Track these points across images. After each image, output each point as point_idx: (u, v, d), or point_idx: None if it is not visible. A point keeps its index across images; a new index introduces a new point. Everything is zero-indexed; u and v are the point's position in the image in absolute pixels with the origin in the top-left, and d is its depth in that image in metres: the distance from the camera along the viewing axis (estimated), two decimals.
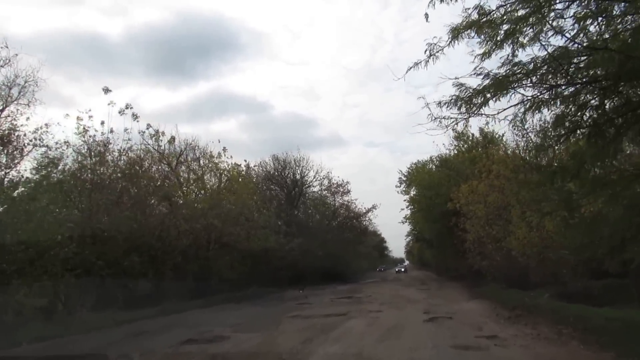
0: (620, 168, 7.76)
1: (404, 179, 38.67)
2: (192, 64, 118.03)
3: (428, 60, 9.09)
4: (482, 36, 8.92)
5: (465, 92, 9.35)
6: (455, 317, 11.98)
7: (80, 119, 16.83)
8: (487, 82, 8.67)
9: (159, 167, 23.46)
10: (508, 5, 7.70)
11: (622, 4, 6.62)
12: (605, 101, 6.67)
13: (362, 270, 56.74)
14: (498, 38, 8.70)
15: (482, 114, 9.16)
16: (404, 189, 38.82)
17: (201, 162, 26.63)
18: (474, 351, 7.61)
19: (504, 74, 8.26)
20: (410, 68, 9.25)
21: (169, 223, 19.38)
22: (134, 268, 15.90)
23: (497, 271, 20.54)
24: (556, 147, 7.58)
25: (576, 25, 6.40)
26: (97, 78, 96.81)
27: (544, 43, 7.40)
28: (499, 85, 8.18)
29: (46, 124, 15.40)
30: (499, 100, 8.85)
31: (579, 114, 6.99)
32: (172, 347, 8.70)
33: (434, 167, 35.17)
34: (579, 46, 6.38)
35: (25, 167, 14.80)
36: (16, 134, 13.87)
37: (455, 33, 9.00)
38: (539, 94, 7.73)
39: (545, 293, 14.76)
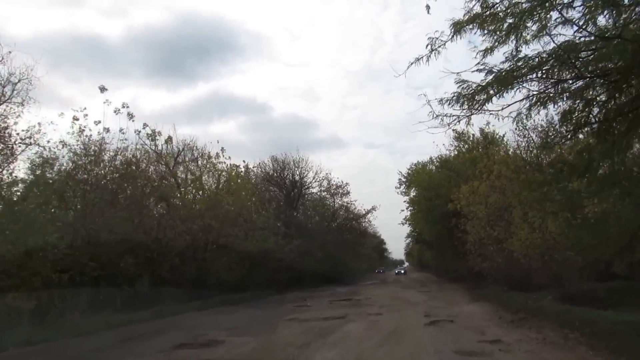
0: (630, 167, 7.47)
1: (404, 180, 38.41)
2: (192, 65, 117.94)
3: (430, 56, 8.81)
4: (485, 30, 8.71)
5: (468, 89, 9.16)
6: (456, 320, 11.66)
7: (76, 118, 16.60)
8: (490, 77, 8.42)
9: (157, 168, 23.20)
10: None
11: None
12: (616, 95, 6.37)
13: (362, 271, 56.44)
14: (502, 33, 8.48)
15: (485, 111, 8.93)
16: (404, 190, 38.58)
17: (199, 162, 26.35)
18: (477, 357, 7.30)
19: (507, 68, 7.99)
20: (412, 64, 8.98)
21: (165, 224, 19.07)
22: (128, 270, 15.61)
23: (498, 273, 20.24)
24: (562, 145, 7.29)
25: (584, 16, 6.13)
26: (96, 79, 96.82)
27: (551, 34, 7.14)
28: (503, 81, 7.91)
29: (39, 123, 15.14)
30: (503, 97, 8.58)
31: (587, 109, 6.71)
32: (163, 352, 8.38)
33: (434, 168, 34.90)
34: (590, 36, 6.08)
35: (19, 167, 14.55)
36: (7, 132, 13.54)
37: (458, 27, 8.74)
38: (544, 89, 7.47)
39: (547, 295, 14.46)
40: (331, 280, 36.36)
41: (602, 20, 6.21)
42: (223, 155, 25.63)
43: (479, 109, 8.83)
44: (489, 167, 20.25)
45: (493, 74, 8.43)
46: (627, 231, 7.22)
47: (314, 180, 40.65)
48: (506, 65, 8.21)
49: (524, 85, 7.26)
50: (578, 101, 6.90)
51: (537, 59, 6.94)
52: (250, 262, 25.18)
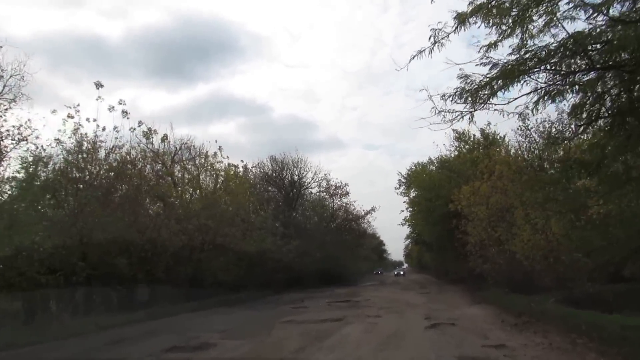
0: None
1: (404, 180, 38.01)
2: (192, 67, 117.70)
3: (432, 48, 8.50)
4: (490, 22, 8.36)
5: (471, 84, 8.80)
6: (458, 323, 11.29)
7: (71, 116, 16.24)
8: (495, 71, 8.08)
9: (153, 167, 22.85)
10: None
11: None
12: (631, 87, 6.01)
13: (361, 272, 56.07)
14: (507, 25, 8.13)
15: (490, 104, 8.58)
16: (404, 190, 38.18)
17: (196, 161, 25.98)
18: None
19: (514, 61, 7.64)
20: (414, 56, 8.62)
21: (160, 223, 18.71)
22: (122, 270, 15.25)
23: (499, 275, 19.88)
24: (572, 140, 6.93)
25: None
26: (96, 80, 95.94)
27: (562, 22, 6.78)
28: (509, 74, 7.56)
29: (29, 119, 14.78)
30: (508, 91, 8.24)
31: (599, 103, 6.36)
32: (152, 356, 8.02)
33: (434, 168, 34.53)
34: (606, 21, 5.71)
35: (10, 165, 14.19)
36: None
37: (462, 18, 8.41)
38: (552, 82, 7.12)
39: (550, 298, 14.11)
40: (330, 281, 36.04)
41: (617, 8, 5.86)
42: (221, 155, 25.31)
43: (483, 104, 8.51)
44: (490, 168, 19.91)
45: (498, 68, 8.11)
46: (639, 232, 6.86)
47: (312, 181, 40.33)
48: (512, 58, 7.89)
49: (532, 77, 6.92)
50: (589, 94, 6.53)
51: (545, 51, 6.59)
52: (247, 262, 24.84)
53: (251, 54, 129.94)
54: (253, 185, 33.01)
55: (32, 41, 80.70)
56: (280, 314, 14.66)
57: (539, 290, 15.70)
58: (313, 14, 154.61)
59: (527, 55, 7.36)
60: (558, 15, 7.05)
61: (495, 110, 8.86)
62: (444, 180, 29.82)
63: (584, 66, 6.25)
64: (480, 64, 8.57)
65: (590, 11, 5.91)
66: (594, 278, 11.90)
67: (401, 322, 12.15)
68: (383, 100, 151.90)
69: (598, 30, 6.51)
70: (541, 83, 6.83)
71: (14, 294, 10.13)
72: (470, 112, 9.03)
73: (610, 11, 6.34)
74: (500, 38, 8.31)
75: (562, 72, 6.49)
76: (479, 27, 8.63)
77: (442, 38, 8.15)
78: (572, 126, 6.98)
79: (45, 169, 15.31)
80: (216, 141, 39.04)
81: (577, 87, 6.73)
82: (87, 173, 16.27)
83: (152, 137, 22.20)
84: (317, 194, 41.60)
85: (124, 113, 18.51)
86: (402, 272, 74.40)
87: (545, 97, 7.09)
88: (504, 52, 8.29)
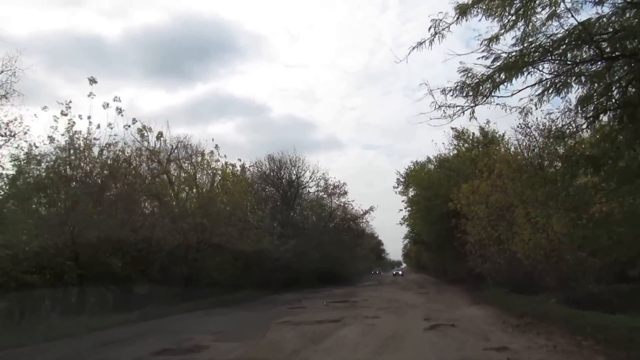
0: None
1: (402, 180, 37.69)
2: (190, 66, 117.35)
3: (433, 39, 8.20)
4: (492, 12, 8.07)
5: (472, 78, 8.51)
6: (458, 324, 11.00)
7: (64, 113, 15.90)
8: (498, 63, 7.79)
9: (149, 165, 22.52)
10: None
11: None
12: None
13: (359, 272, 55.81)
14: (509, 18, 7.84)
15: (492, 99, 8.29)
16: (402, 189, 37.87)
17: (193, 160, 25.65)
18: None
19: (517, 53, 7.34)
20: (414, 48, 8.34)
21: (154, 222, 18.37)
22: (115, 270, 14.93)
23: (499, 275, 19.61)
24: (578, 133, 6.63)
25: None
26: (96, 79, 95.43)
27: (565, 13, 6.48)
28: (513, 66, 7.26)
29: (21, 115, 14.46)
30: (511, 84, 7.95)
31: (607, 94, 6.06)
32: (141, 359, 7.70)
33: (432, 167, 34.24)
34: (614, 8, 5.42)
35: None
36: None
37: (463, 9, 8.12)
38: (558, 74, 6.82)
39: (551, 298, 13.84)
40: (328, 281, 35.78)
41: None
42: (218, 153, 24.98)
43: (485, 97, 8.23)
44: (490, 166, 19.63)
45: (501, 60, 7.82)
46: None
47: (310, 180, 40.02)
48: (516, 49, 7.60)
49: (537, 69, 6.62)
50: (596, 86, 6.23)
51: (551, 40, 6.30)
52: (244, 262, 24.54)
53: (250, 53, 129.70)
54: (250, 184, 32.70)
55: (32, 41, 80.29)
56: (276, 315, 14.36)
57: (539, 290, 15.44)
58: (312, 14, 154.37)
59: (531, 47, 7.07)
60: (562, 6, 6.77)
61: (497, 105, 8.60)
62: (443, 179, 29.55)
63: (592, 56, 5.95)
64: (482, 57, 8.31)
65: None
66: (601, 278, 11.58)
67: (400, 323, 11.85)
68: (382, 100, 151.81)
69: (605, 18, 6.23)
70: (546, 74, 6.53)
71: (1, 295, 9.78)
72: (472, 106, 8.77)
73: None
74: (502, 31, 8.05)
75: (569, 62, 6.19)
76: (480, 20, 8.40)
77: (443, 29, 7.87)
78: (578, 120, 6.68)
79: (38, 167, 15.03)
80: (213, 139, 38.53)
81: (583, 78, 6.44)
82: (80, 171, 15.94)
83: (147, 135, 21.89)
84: (315, 193, 41.36)
85: (119, 110, 18.19)
86: (400, 272, 74.43)
87: (551, 90, 6.80)
88: (506, 46, 8.03)
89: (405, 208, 39.34)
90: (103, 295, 14.81)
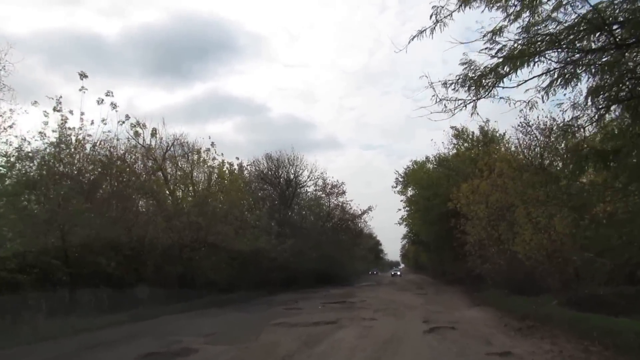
0: None
1: (401, 179, 37.31)
2: (189, 66, 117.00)
3: (434, 28, 7.84)
4: (495, 2, 7.71)
5: (475, 70, 8.16)
6: (458, 327, 10.63)
7: (57, 109, 15.51)
8: (503, 53, 7.42)
9: (145, 163, 22.14)
10: None
11: None
12: None
13: (357, 273, 55.46)
14: (514, 9, 7.48)
15: (495, 92, 7.93)
16: (401, 189, 37.50)
17: (189, 157, 25.26)
18: None
19: (524, 42, 6.97)
20: (414, 37, 7.95)
21: (147, 220, 17.98)
22: (106, 269, 14.52)
23: (499, 275, 19.26)
24: (588, 126, 6.26)
25: None
26: (94, 78, 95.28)
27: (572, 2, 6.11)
28: (519, 55, 6.89)
29: (11, 109, 14.07)
30: (516, 75, 7.59)
31: (618, 85, 5.70)
32: None
33: (431, 167, 33.88)
34: None
35: None
36: None
37: None
38: (566, 63, 6.45)
39: (552, 300, 13.48)
40: (326, 281, 35.45)
41: None
42: (215, 151, 24.59)
43: (489, 89, 7.86)
44: (490, 165, 19.28)
45: (505, 51, 7.46)
46: None
47: (308, 179, 39.66)
48: (522, 40, 7.23)
49: (545, 57, 6.25)
50: (607, 76, 5.86)
51: (562, 26, 5.93)
52: (241, 261, 24.15)
53: (250, 53, 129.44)
54: (248, 183, 32.32)
55: (31, 39, 79.78)
56: (271, 316, 13.98)
57: (539, 292, 15.09)
58: (312, 14, 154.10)
59: (539, 35, 6.70)
60: None
61: (500, 98, 8.25)
62: (443, 179, 29.21)
63: (604, 44, 5.58)
64: (485, 48, 7.94)
65: None
66: (611, 279, 11.21)
67: (398, 325, 11.48)
68: (381, 100, 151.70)
69: (617, 5, 5.87)
70: (554, 63, 6.16)
71: None
72: (474, 100, 8.42)
73: None
74: (506, 22, 7.69)
75: (580, 50, 5.82)
76: (482, 11, 8.04)
77: (445, 17, 7.51)
78: (587, 113, 6.32)
79: (30, 164, 14.64)
80: (210, 137, 38.16)
81: (593, 68, 6.07)
82: (70, 167, 15.54)
83: (142, 132, 21.52)
84: (313, 192, 41.01)
85: (113, 106, 17.80)
86: (398, 273, 74.47)
87: (559, 81, 6.43)
88: (511, 41, 7.67)
89: (403, 208, 39.06)
90: (94, 295, 14.38)
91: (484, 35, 7.86)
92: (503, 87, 7.06)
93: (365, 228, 49.60)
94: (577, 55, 6.09)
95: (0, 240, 10.31)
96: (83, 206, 14.40)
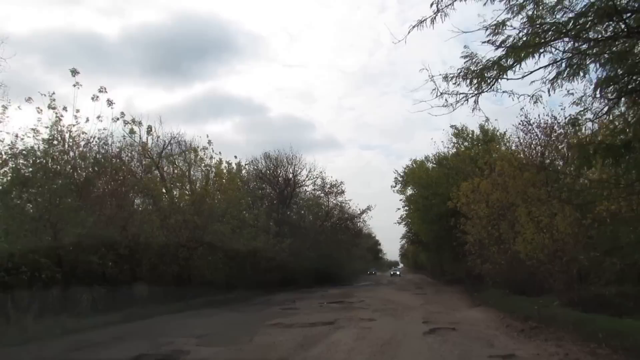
0: None
1: (400, 178, 37.03)
2: (189, 65, 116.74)
3: (435, 18, 7.57)
4: None
5: (477, 63, 7.89)
6: (459, 328, 10.35)
7: (51, 106, 15.21)
8: (508, 42, 7.15)
9: (141, 161, 21.85)
10: None
11: None
12: None
13: (356, 272, 55.18)
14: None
15: (498, 86, 7.66)
16: (400, 188, 37.21)
17: (186, 156, 24.96)
18: None
19: (530, 31, 6.69)
20: (414, 27, 7.68)
21: (143, 219, 17.68)
22: (99, 268, 14.23)
23: (499, 275, 19.00)
24: (598, 119, 5.98)
25: None
26: (93, 78, 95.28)
27: None
28: (524, 45, 6.61)
29: (3, 106, 13.78)
30: (520, 67, 7.32)
31: (631, 75, 5.42)
32: None
33: (431, 166, 33.61)
34: None
35: None
36: None
37: None
38: (574, 53, 6.17)
39: (554, 300, 13.20)
40: (324, 281, 35.18)
41: None
42: (212, 150, 24.29)
43: (493, 82, 7.59)
44: (491, 163, 19.02)
45: (509, 43, 7.18)
46: None
47: (307, 179, 39.35)
48: (526, 31, 6.95)
49: (552, 46, 5.97)
50: (617, 66, 5.58)
51: (571, 14, 5.64)
52: (238, 261, 23.87)
53: (249, 53, 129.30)
54: (246, 182, 32.01)
55: (30, 39, 79.44)
56: (267, 316, 13.69)
57: (541, 292, 14.83)
58: (311, 14, 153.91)
59: (545, 25, 6.42)
60: None
61: (504, 92, 7.99)
62: (442, 178, 28.92)
63: (615, 32, 5.30)
64: (488, 41, 7.68)
65: None
66: (622, 279, 10.92)
67: (397, 326, 11.18)
68: (380, 100, 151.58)
69: None
70: (561, 54, 5.88)
71: None
72: (476, 94, 8.16)
73: None
74: (510, 16, 7.41)
75: (589, 40, 5.54)
76: (485, 3, 7.76)
77: (447, 6, 7.24)
78: (595, 106, 6.05)
79: (23, 161, 14.33)
80: (207, 136, 37.85)
81: (603, 59, 5.79)
82: (65, 164, 15.25)
83: (137, 130, 21.19)
84: (312, 192, 40.71)
85: (109, 102, 17.49)
86: (397, 272, 74.41)
87: (566, 72, 6.14)
88: (514, 27, 7.40)
89: (403, 207, 38.78)
90: (87, 295, 14.08)
91: (487, 29, 7.61)
92: (507, 79, 6.75)
93: (364, 228, 49.43)
94: (585, 45, 5.80)
95: None
96: (76, 204, 14.11)
